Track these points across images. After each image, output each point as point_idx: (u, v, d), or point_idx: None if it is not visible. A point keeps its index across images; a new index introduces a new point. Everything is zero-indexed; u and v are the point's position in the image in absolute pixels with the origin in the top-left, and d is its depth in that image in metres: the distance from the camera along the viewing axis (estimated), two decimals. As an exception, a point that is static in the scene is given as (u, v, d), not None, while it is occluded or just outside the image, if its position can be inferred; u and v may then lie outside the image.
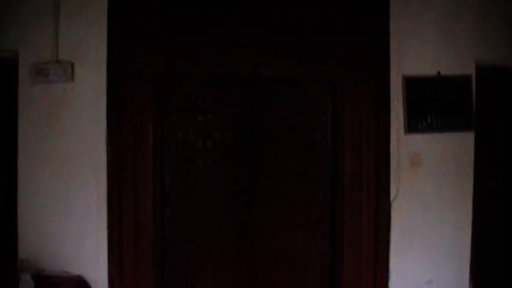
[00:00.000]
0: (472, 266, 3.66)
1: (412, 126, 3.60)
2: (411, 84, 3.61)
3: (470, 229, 3.65)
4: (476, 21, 3.64)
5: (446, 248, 3.63)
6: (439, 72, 3.63)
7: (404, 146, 3.61)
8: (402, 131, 3.60)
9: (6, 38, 3.46)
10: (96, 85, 3.50)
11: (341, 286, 3.74)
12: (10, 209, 3.49)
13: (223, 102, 3.78)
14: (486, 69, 3.68)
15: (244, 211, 3.80)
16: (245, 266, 3.83)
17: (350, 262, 3.71)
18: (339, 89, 3.74)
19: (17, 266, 3.26)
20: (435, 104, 3.62)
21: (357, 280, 3.70)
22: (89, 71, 3.50)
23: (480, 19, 3.64)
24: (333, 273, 3.82)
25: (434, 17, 3.63)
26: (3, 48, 3.47)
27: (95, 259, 3.51)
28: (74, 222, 3.50)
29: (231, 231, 3.82)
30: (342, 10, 3.67)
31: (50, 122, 3.50)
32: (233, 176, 3.78)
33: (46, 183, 3.49)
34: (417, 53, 3.63)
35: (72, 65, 3.48)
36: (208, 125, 3.76)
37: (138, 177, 3.59)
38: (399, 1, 3.61)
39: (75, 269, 3.48)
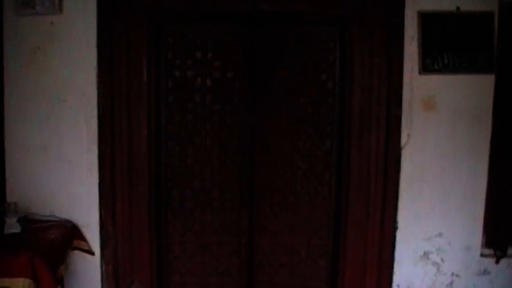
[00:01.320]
0: (486, 218, 3.45)
1: (427, 66, 3.34)
2: (427, 20, 3.33)
3: (486, 179, 3.42)
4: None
5: (459, 198, 3.42)
6: (458, 8, 3.33)
7: (418, 87, 3.35)
8: (416, 71, 3.34)
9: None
10: (86, 18, 3.29)
11: (345, 240, 3.57)
12: (-3, 151, 3.33)
13: (224, 39, 3.54)
14: (510, 6, 3.37)
15: (245, 156, 3.63)
16: (246, 213, 3.69)
17: (356, 214, 3.53)
18: (348, 26, 3.47)
19: (4, 209, 3.07)
20: (453, 43, 3.34)
21: (362, 233, 3.52)
22: (78, 3, 3.28)
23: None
24: (338, 227, 3.66)
25: None
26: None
27: (85, 203, 3.38)
28: (64, 165, 3.36)
29: (231, 176, 3.66)
30: None
31: (37, 58, 3.30)
32: (234, 117, 3.59)
33: (34, 124, 3.34)
34: (435, -14, 3.32)
35: (60, -5, 3.25)
36: (207, 63, 3.54)
37: (132, 117, 3.39)
38: None
39: (64, 213, 3.35)
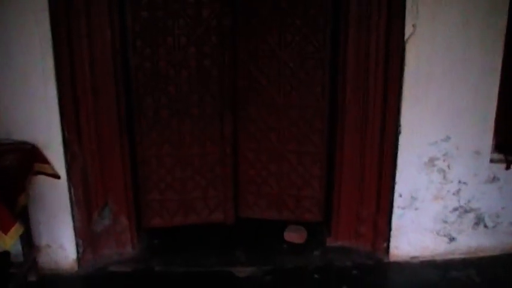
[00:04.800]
0: (498, 120, 3.11)
1: None
2: None
3: (499, 77, 3.02)
4: None
5: (469, 98, 3.04)
6: None
7: (427, -34, 2.84)
8: None
9: None
10: None
11: (342, 146, 3.27)
12: None
13: None
14: None
15: (225, 54, 3.28)
16: (230, 118, 3.42)
17: (353, 117, 3.19)
18: None
19: None
20: None
21: (361, 138, 3.21)
22: None
23: None
24: (333, 132, 3.35)
25: None
26: None
27: (45, 120, 2.93)
28: (15, 77, 2.85)
29: (211, 78, 3.33)
30: None
31: None
32: (210, 9, 3.18)
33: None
34: None
35: None
36: None
37: (92, 15, 2.88)
38: None
39: (22, 134, 2.91)
